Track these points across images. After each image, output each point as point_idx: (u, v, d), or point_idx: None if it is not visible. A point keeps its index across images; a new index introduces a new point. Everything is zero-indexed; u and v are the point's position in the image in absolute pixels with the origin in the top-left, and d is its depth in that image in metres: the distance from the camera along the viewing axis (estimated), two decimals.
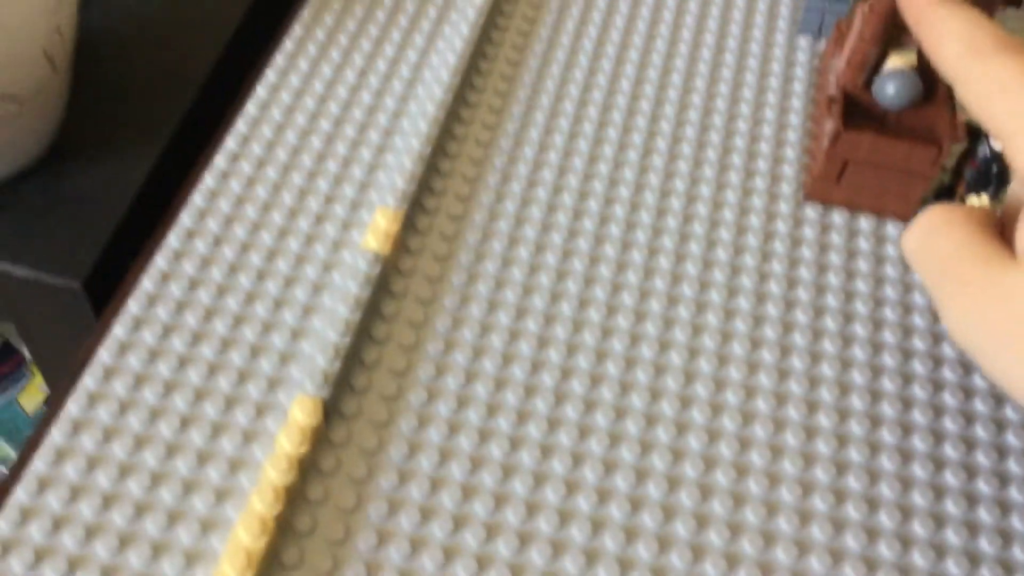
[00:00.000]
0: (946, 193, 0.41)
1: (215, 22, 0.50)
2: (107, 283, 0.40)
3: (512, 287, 0.37)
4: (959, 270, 0.26)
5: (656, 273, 0.38)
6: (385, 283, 0.37)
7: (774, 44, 0.48)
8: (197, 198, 0.39)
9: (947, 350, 0.37)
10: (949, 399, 0.35)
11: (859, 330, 0.37)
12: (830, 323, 0.37)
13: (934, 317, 0.38)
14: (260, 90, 0.43)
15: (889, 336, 0.37)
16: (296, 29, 0.46)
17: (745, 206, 0.41)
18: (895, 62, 0.38)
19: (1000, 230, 0.27)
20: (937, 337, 0.37)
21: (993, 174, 0.38)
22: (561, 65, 0.46)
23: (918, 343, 0.37)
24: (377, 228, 0.37)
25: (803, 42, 0.48)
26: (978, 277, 0.25)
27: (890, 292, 0.38)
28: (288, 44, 0.45)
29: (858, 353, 0.36)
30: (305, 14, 0.46)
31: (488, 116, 0.43)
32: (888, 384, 0.36)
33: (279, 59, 0.44)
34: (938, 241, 0.27)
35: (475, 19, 0.45)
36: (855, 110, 0.39)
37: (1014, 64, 0.25)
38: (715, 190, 0.41)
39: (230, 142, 0.41)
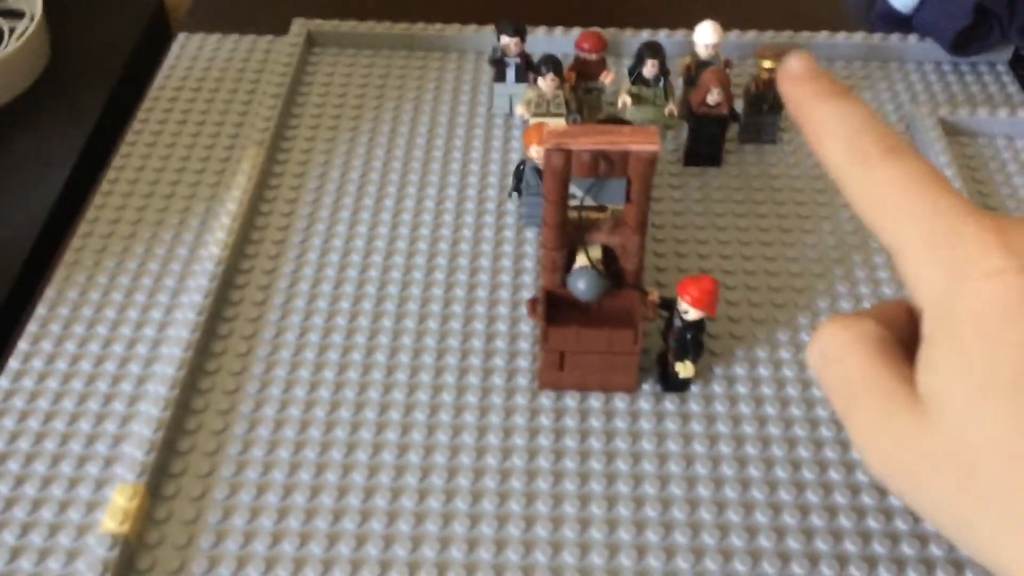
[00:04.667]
0: (663, 356, 0.45)
1: None
2: None
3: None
4: (863, 406, 0.24)
5: (403, 494, 0.40)
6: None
7: (504, 240, 0.52)
8: None
9: (677, 513, 0.40)
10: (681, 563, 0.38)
11: (595, 510, 0.40)
12: (567, 509, 0.40)
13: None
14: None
15: (623, 510, 0.40)
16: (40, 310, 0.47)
17: (485, 406, 0.44)
18: (580, 261, 0.42)
19: (899, 344, 0.25)
20: (666, 503, 0.40)
21: (689, 341, 0.42)
22: (301, 314, 0.49)
23: (649, 512, 0.40)
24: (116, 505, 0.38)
25: (530, 234, 0.52)
26: (881, 421, 0.23)
27: (621, 465, 0.41)
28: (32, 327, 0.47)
29: (595, 534, 0.39)
30: (49, 293, 0.48)
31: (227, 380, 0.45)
32: (625, 561, 0.38)
33: (22, 345, 0.46)
34: (838, 365, 0.25)
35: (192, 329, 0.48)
36: (562, 305, 0.43)
37: (899, 172, 0.24)
38: (456, 396, 0.44)
39: None
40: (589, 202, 0.40)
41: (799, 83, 0.26)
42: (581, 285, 0.41)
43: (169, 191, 0.54)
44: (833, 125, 0.25)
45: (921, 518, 0.38)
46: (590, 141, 0.38)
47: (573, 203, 0.40)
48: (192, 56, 0.64)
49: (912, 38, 0.64)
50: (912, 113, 0.60)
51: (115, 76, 0.66)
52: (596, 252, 0.42)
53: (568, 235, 0.42)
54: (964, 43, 0.62)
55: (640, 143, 0.38)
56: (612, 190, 0.39)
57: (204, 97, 0.61)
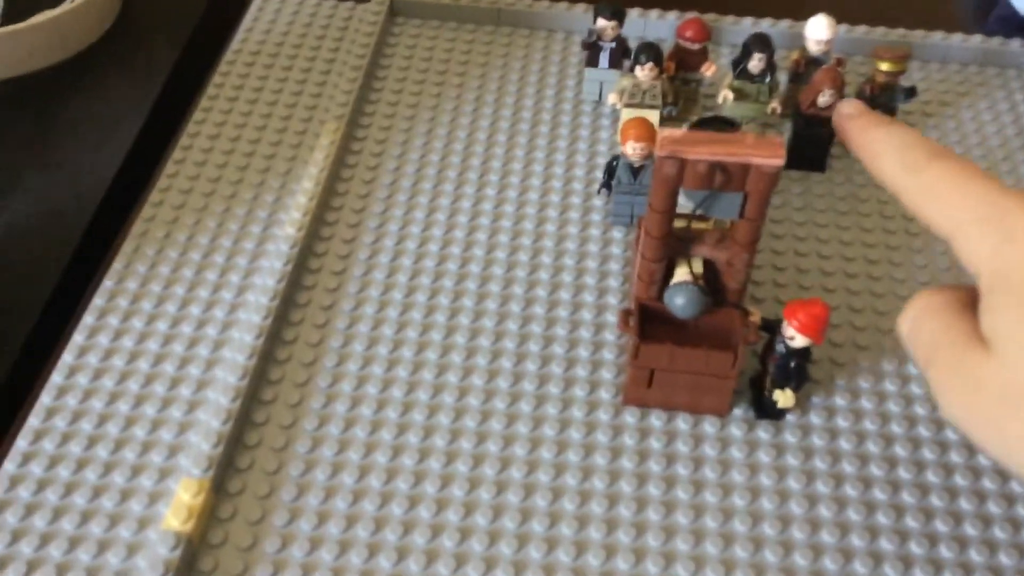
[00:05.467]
0: (758, 380, 0.42)
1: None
2: None
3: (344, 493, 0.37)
4: (941, 357, 0.27)
5: (476, 510, 0.38)
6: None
7: (589, 239, 0.49)
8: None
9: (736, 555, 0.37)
10: None
11: (680, 546, 0.37)
12: (651, 541, 0.37)
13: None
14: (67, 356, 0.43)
15: (711, 548, 0.37)
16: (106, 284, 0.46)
17: (564, 418, 0.41)
18: (681, 275, 0.39)
19: (972, 307, 0.28)
20: (757, 543, 0.37)
21: (791, 369, 0.39)
22: (375, 302, 0.46)
23: (739, 551, 0.37)
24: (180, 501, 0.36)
25: (618, 234, 0.49)
26: (956, 366, 0.27)
27: (709, 496, 0.39)
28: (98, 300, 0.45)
29: (681, 571, 0.36)
30: (117, 266, 0.46)
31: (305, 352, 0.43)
32: None
33: (88, 319, 0.44)
34: (923, 328, 0.29)
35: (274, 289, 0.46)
36: (656, 319, 0.40)
37: (945, 171, 0.28)
38: (534, 406, 0.42)
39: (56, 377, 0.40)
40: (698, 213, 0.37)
41: (851, 119, 0.32)
42: (680, 301, 0.39)
43: (244, 162, 0.52)
44: (883, 146, 0.30)
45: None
46: (708, 151, 0.35)
47: (681, 210, 0.38)
48: (270, 19, 0.62)
49: None
50: None
51: (188, 32, 0.64)
52: (697, 266, 0.39)
53: (669, 246, 0.39)
54: None
55: (763, 155, 0.34)
56: (726, 203, 0.36)
57: (282, 64, 0.59)
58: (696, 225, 0.40)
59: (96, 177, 0.52)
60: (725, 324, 0.40)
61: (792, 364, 0.39)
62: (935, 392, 0.27)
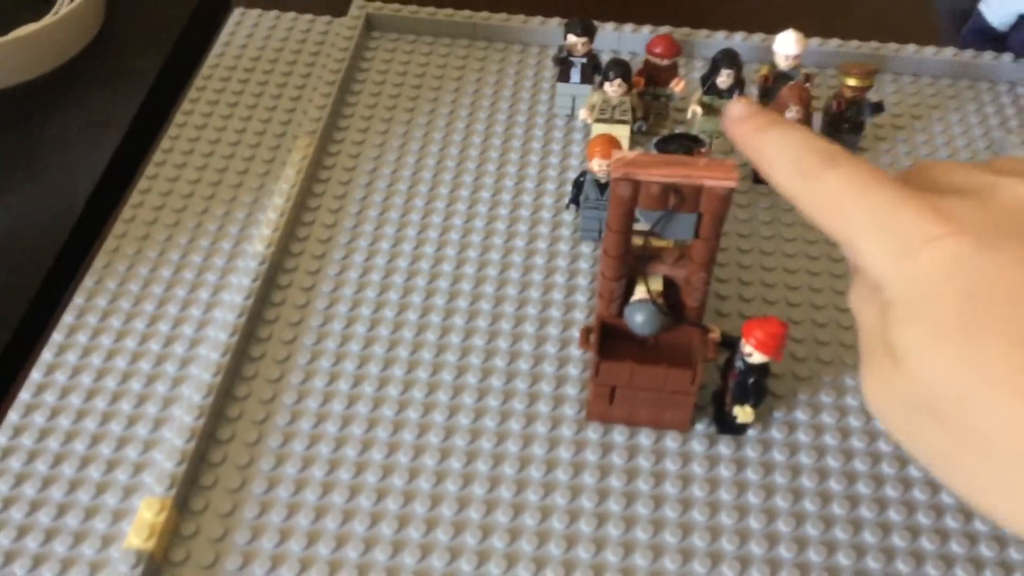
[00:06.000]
0: (720, 395, 0.42)
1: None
2: None
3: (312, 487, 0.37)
4: (865, 354, 0.27)
5: (438, 526, 0.38)
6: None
7: (557, 253, 0.49)
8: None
9: (697, 567, 0.37)
10: None
11: (639, 561, 0.38)
12: (610, 557, 0.38)
13: None
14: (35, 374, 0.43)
15: (669, 563, 0.38)
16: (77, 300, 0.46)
17: (528, 434, 0.42)
18: (639, 293, 0.39)
19: None
20: (715, 558, 0.38)
21: (750, 385, 0.40)
22: (344, 315, 0.47)
23: (697, 567, 0.38)
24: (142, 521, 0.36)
25: (586, 248, 0.50)
26: (874, 367, 0.26)
27: (669, 512, 0.39)
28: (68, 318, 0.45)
29: None
30: (87, 283, 0.47)
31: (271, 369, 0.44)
32: None
33: (56, 337, 0.44)
34: (859, 316, 0.28)
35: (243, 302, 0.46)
36: (617, 336, 0.40)
37: (839, 177, 0.27)
38: (499, 422, 0.42)
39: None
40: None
41: (740, 123, 0.31)
42: (639, 319, 0.39)
43: (216, 178, 0.53)
44: (776, 150, 0.29)
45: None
46: (661, 173, 0.35)
47: (639, 227, 0.38)
48: (247, 34, 0.62)
49: (1006, 57, 0.60)
50: (1000, 140, 0.56)
51: (169, 45, 0.64)
52: (657, 283, 0.40)
53: (629, 264, 0.39)
54: None
55: (716, 177, 0.35)
56: (681, 224, 0.37)
57: (257, 79, 0.59)
58: (656, 243, 0.40)
59: (74, 192, 0.53)
60: (685, 341, 0.40)
61: (751, 380, 0.40)
62: (861, 384, 0.28)
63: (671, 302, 0.40)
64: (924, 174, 0.29)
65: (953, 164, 0.29)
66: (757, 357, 0.39)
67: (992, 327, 0.23)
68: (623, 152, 0.36)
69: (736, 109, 0.31)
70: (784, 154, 0.29)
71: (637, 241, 0.39)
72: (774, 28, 0.54)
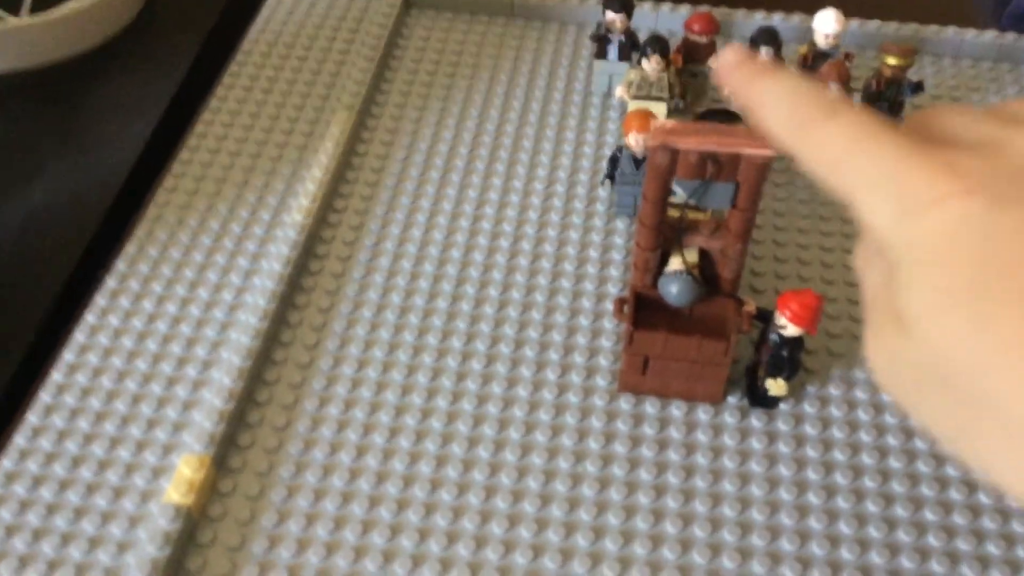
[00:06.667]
0: (753, 368, 0.42)
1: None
2: None
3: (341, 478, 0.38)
4: (871, 319, 0.26)
5: (470, 490, 0.39)
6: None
7: (592, 229, 0.50)
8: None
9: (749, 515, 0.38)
10: None
11: (669, 528, 0.38)
12: (640, 524, 0.38)
13: None
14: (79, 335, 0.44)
15: (698, 531, 0.38)
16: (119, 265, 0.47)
17: (560, 404, 0.42)
18: (675, 264, 0.40)
19: None
20: (745, 527, 0.38)
21: (784, 358, 0.40)
22: (384, 274, 0.47)
23: (726, 536, 0.38)
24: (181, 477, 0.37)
25: (620, 224, 0.50)
26: (879, 334, 0.25)
27: (699, 482, 0.39)
28: (110, 282, 0.46)
29: (667, 554, 0.37)
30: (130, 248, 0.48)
31: (309, 335, 0.44)
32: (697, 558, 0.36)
33: (99, 300, 0.45)
34: (864, 279, 0.26)
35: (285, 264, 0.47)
36: (651, 307, 0.41)
37: (840, 127, 0.25)
38: (531, 391, 0.42)
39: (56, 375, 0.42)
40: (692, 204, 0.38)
41: (733, 71, 0.28)
42: (673, 289, 0.39)
43: (256, 150, 0.53)
44: (771, 99, 0.27)
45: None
46: (699, 141, 0.35)
47: (675, 200, 0.38)
48: (288, 11, 0.63)
49: None
50: None
51: (210, 23, 0.65)
52: (692, 255, 0.40)
53: (664, 235, 0.39)
54: None
55: (754, 146, 0.35)
56: (718, 193, 0.37)
57: (297, 55, 0.60)
58: (692, 215, 0.40)
59: (116, 165, 0.54)
60: (719, 313, 0.40)
61: (785, 353, 0.40)
62: (866, 351, 0.26)
63: (706, 274, 0.40)
64: (927, 122, 0.27)
65: (960, 109, 0.27)
66: (791, 330, 0.39)
67: (1006, 291, 0.22)
68: (662, 121, 0.36)
69: (729, 55, 0.29)
70: (781, 103, 0.26)
71: (673, 213, 0.40)
72: (813, 8, 0.54)
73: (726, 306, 0.40)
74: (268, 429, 0.41)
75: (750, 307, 0.40)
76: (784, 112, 0.26)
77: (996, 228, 0.23)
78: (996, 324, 0.22)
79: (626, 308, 0.40)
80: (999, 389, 0.22)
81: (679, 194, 0.38)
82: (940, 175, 0.23)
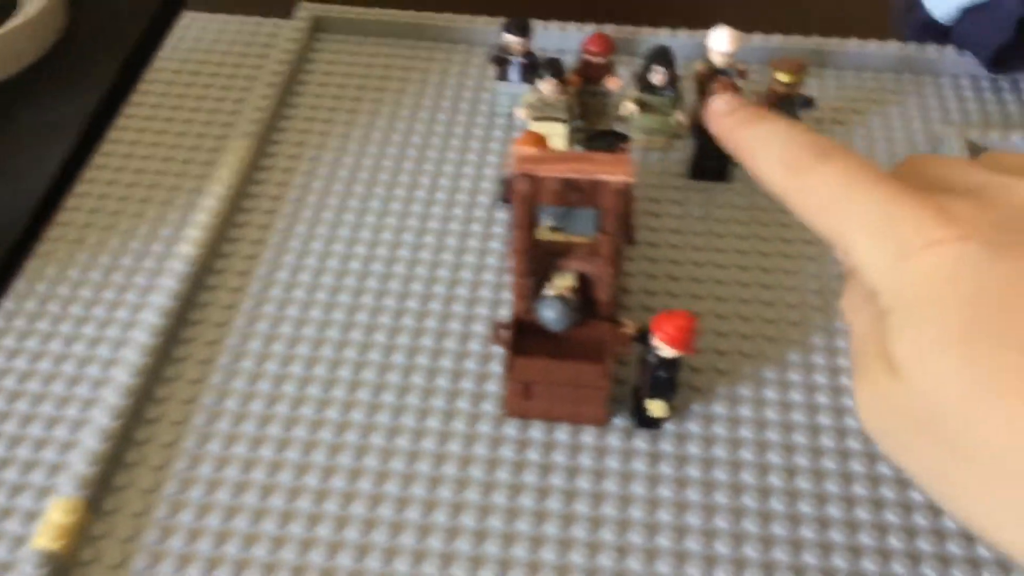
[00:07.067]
0: (637, 390, 0.42)
1: None
2: None
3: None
4: (859, 366, 0.26)
5: (349, 523, 0.39)
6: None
7: (488, 252, 0.50)
8: None
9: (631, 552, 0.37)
10: None
11: (548, 555, 0.38)
12: (519, 552, 0.38)
13: None
14: None
15: (577, 556, 0.38)
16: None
17: (446, 432, 0.42)
18: (551, 288, 0.40)
19: None
20: (623, 551, 0.38)
21: (663, 379, 0.40)
22: (270, 321, 0.47)
23: (604, 561, 0.38)
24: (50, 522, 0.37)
25: None
26: (871, 382, 0.25)
27: (580, 507, 0.39)
28: None
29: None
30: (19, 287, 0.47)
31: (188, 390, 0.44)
32: None
33: None
34: (852, 325, 0.27)
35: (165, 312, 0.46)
36: (534, 332, 0.41)
37: (832, 172, 0.26)
38: (418, 419, 0.42)
39: None
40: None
41: (722, 118, 0.29)
42: (547, 314, 0.39)
43: (153, 181, 0.53)
44: (762, 145, 0.27)
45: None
46: (558, 168, 0.35)
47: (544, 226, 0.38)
48: (195, 37, 0.63)
49: (949, 50, 0.60)
50: (940, 133, 0.56)
51: (127, 50, 0.64)
52: (567, 280, 0.40)
53: (540, 260, 0.39)
54: (1005, 59, 0.58)
55: (611, 172, 0.35)
56: (583, 219, 0.37)
57: (202, 82, 0.59)
58: (568, 238, 0.40)
59: (25, 194, 0.53)
60: (598, 336, 0.40)
61: (663, 375, 0.40)
62: (854, 405, 0.26)
63: (586, 297, 0.40)
64: (918, 169, 0.27)
65: (947, 159, 0.27)
66: (667, 351, 0.39)
67: (999, 335, 0.22)
68: (524, 148, 0.36)
69: (718, 103, 0.30)
70: (771, 148, 0.27)
71: (557, 237, 0.40)
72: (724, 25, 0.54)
73: (604, 329, 0.40)
74: (146, 469, 0.40)
75: (628, 329, 0.40)
76: (775, 156, 0.27)
77: (990, 273, 0.22)
78: (990, 368, 0.21)
79: (503, 333, 0.40)
80: (991, 436, 0.21)
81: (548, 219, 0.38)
82: (934, 220, 0.24)
